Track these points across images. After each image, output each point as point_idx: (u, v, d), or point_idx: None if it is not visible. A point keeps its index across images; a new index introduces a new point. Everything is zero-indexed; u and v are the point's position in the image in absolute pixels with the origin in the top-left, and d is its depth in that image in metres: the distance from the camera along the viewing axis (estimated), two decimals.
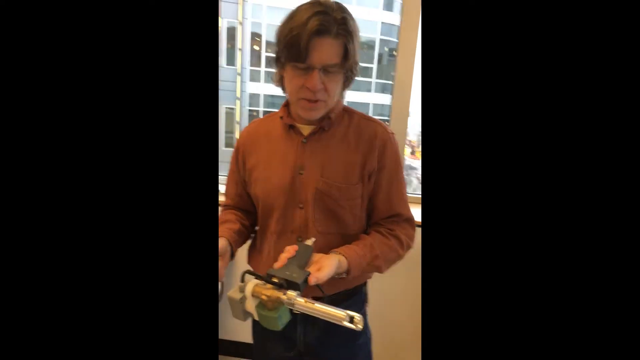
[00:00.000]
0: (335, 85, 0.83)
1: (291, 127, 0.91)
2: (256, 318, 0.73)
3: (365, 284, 1.01)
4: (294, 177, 0.87)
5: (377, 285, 1.09)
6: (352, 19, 0.82)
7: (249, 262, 1.03)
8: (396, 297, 1.86)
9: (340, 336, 0.93)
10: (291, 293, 0.68)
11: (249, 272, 0.73)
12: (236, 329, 1.88)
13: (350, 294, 0.96)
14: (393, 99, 1.95)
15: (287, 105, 0.94)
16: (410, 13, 1.83)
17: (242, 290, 0.74)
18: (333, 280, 0.77)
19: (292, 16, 0.79)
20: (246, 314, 0.75)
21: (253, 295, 0.71)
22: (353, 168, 0.87)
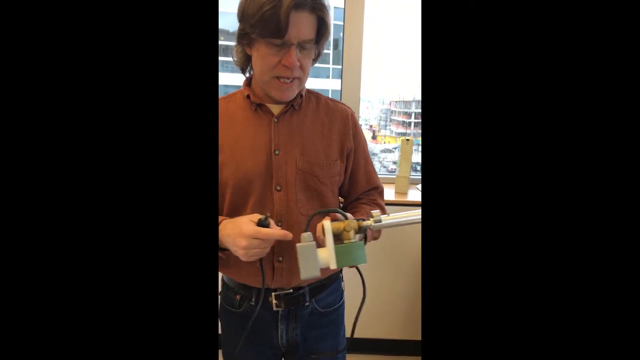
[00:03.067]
0: (309, 61, 0.79)
1: (259, 107, 0.84)
2: (332, 264, 0.67)
3: (340, 273, 0.97)
4: (269, 158, 0.82)
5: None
6: None
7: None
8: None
9: (323, 328, 0.91)
10: (376, 212, 0.70)
11: (316, 213, 0.72)
12: None
13: (327, 284, 0.93)
14: (342, 84, 1.89)
15: (249, 84, 0.87)
16: None
17: (310, 238, 0.69)
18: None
19: None
20: (318, 264, 0.68)
21: (334, 232, 0.67)
22: (331, 146, 0.86)
